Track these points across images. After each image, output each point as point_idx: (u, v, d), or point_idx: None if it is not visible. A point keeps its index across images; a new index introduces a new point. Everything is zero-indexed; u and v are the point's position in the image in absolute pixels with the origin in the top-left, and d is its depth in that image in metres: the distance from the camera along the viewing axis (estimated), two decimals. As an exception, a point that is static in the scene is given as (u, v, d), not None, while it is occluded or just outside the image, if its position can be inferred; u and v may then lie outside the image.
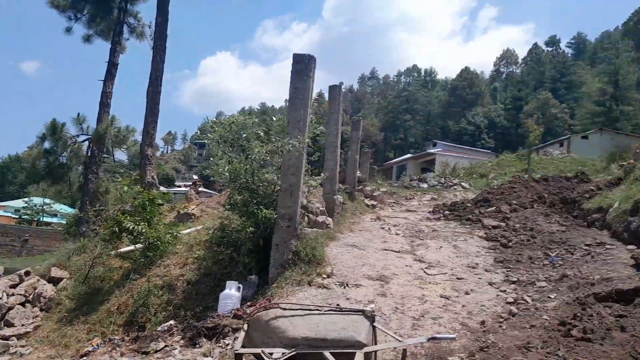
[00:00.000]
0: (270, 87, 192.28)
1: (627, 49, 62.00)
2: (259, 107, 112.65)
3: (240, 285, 6.11)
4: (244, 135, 7.35)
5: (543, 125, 32.39)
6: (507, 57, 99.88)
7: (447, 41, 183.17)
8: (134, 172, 17.82)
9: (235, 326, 5.09)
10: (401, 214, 12.88)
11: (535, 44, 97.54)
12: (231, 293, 5.92)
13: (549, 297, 5.55)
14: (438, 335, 4.34)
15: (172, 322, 6.05)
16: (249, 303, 5.82)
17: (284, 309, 4.50)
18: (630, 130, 45.99)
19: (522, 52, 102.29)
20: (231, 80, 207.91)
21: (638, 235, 8.29)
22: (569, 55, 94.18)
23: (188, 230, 9.26)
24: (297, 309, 4.52)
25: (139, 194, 8.55)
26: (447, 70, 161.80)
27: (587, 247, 7.67)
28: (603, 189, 12.66)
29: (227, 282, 6.12)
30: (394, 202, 15.52)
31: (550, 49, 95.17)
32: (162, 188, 21.80)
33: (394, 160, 55.09)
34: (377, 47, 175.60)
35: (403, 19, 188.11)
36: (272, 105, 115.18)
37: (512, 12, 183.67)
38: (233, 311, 5.61)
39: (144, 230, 7.79)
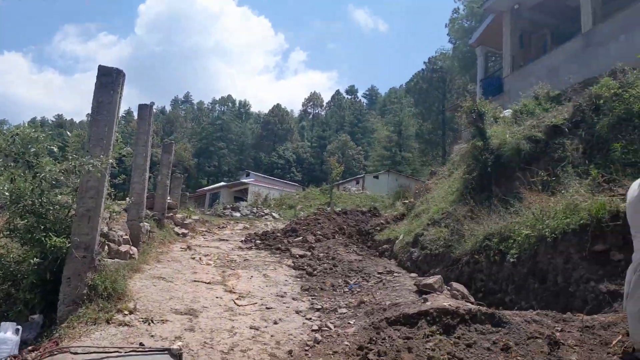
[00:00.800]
0: (69, 99, 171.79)
1: (409, 104, 73.28)
2: (54, 119, 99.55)
3: (20, 327, 5.09)
4: (33, 149, 6.32)
5: (343, 164, 35.87)
6: (314, 99, 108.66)
7: (261, 76, 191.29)
8: None
9: (9, 377, 4.21)
10: (213, 243, 12.62)
11: (338, 91, 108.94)
12: (6, 337, 4.88)
13: (349, 322, 5.98)
14: (249, 369, 4.28)
15: None
16: (30, 347, 4.86)
17: (75, 353, 3.92)
18: (410, 173, 54.25)
19: (326, 97, 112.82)
20: (21, 85, 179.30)
21: (418, 264, 9.65)
22: (364, 104, 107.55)
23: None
24: (92, 352, 3.98)
25: None
26: (260, 105, 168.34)
27: (379, 275, 8.56)
28: (391, 222, 14.49)
29: (2, 323, 5.04)
30: (206, 231, 15.15)
31: (349, 96, 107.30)
32: None
33: (207, 188, 54.23)
34: (192, 71, 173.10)
35: (219, 49, 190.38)
36: (71, 119, 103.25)
37: (319, 59, 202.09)
38: (9, 358, 4.65)
39: None
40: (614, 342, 4.42)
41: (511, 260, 7.25)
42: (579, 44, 14.54)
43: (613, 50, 12.58)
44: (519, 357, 4.45)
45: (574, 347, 4.47)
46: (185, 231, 13.34)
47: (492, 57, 25.66)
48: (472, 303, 6.18)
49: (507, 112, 12.77)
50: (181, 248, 10.93)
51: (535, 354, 4.46)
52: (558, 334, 4.74)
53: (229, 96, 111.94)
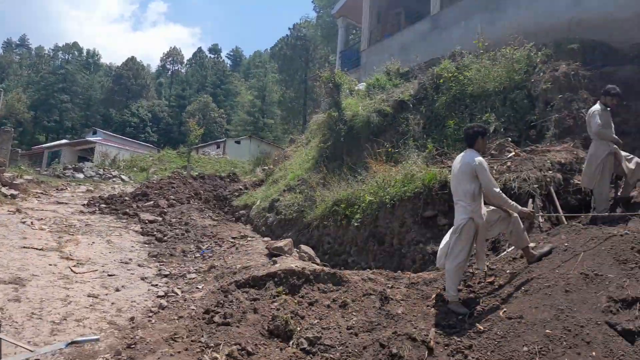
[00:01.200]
0: None
1: (273, 70, 73.05)
2: None
3: None
4: None
5: (203, 127, 34.68)
6: (173, 55, 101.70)
7: (114, 25, 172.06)
8: None
9: None
10: (49, 206, 11.34)
11: (200, 49, 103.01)
12: None
13: (197, 287, 5.92)
14: (79, 339, 4.01)
15: None
16: None
17: None
18: (272, 140, 54.63)
19: (187, 54, 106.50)
20: None
21: (273, 229, 9.89)
22: (228, 65, 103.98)
23: None
24: None
25: None
26: (112, 56, 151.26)
27: (233, 240, 8.59)
28: (249, 188, 14.56)
29: None
30: (42, 193, 13.54)
31: (212, 56, 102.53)
32: None
33: (45, 145, 48.08)
34: (28, 11, 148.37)
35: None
36: None
37: (180, 12, 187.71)
38: None
39: None
40: (433, 296, 5.07)
41: (355, 224, 7.84)
42: (427, 25, 15.76)
43: (455, 34, 13.83)
44: (354, 313, 4.87)
45: (401, 302, 5.02)
46: (15, 192, 11.77)
47: (353, 29, 26.65)
48: (318, 264, 6.55)
49: (362, 86, 13.47)
50: (9, 211, 9.64)
51: (369, 309, 4.93)
52: (389, 290, 5.28)
53: (75, 43, 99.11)
